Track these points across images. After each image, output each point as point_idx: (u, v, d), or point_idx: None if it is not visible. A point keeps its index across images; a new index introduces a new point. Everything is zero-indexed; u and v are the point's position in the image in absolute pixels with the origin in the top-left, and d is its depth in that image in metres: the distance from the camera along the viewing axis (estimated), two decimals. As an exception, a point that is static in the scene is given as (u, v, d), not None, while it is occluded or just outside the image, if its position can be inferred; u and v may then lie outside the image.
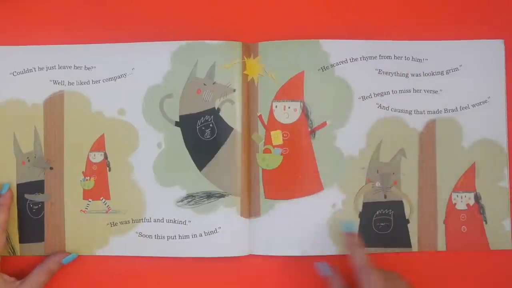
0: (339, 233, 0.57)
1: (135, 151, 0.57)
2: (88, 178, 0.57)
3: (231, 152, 0.57)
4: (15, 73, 0.58)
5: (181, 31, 0.58)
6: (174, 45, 0.57)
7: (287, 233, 0.57)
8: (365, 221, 0.57)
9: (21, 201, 0.57)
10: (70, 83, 0.58)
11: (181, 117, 0.57)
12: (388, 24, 0.59)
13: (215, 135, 0.57)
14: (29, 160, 0.57)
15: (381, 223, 0.58)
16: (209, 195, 0.57)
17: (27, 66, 0.58)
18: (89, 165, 0.57)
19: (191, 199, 0.57)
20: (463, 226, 0.58)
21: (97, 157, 0.57)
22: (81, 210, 0.57)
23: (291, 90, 0.57)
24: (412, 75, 0.58)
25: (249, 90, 0.57)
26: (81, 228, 0.57)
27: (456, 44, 0.58)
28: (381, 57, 0.58)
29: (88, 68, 0.58)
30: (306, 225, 0.57)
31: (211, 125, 0.57)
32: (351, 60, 0.58)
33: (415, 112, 0.58)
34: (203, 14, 0.59)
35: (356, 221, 0.57)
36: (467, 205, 0.58)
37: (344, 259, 0.57)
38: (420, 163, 0.58)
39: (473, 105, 0.58)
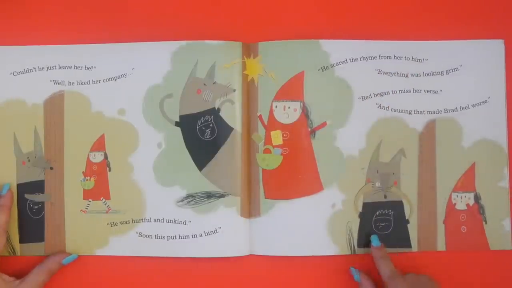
0: (339, 233, 0.57)
1: (135, 151, 0.57)
2: (88, 178, 0.57)
3: (231, 152, 0.57)
4: (15, 73, 0.58)
5: (181, 31, 0.58)
6: (174, 45, 0.57)
7: (287, 233, 0.57)
8: (365, 221, 0.57)
9: (21, 201, 0.57)
10: (70, 83, 0.58)
11: (181, 117, 0.57)
12: (388, 24, 0.59)
13: (215, 135, 0.57)
14: (29, 160, 0.57)
15: (381, 223, 0.58)
16: (209, 195, 0.57)
17: (27, 66, 0.58)
18: (89, 165, 0.57)
19: (191, 199, 0.57)
20: (463, 226, 0.58)
21: (97, 157, 0.57)
22: (81, 210, 0.57)
23: (291, 90, 0.57)
24: (412, 75, 0.58)
25: (249, 90, 0.57)
26: (81, 228, 0.57)
27: (456, 44, 0.58)
28: (381, 57, 0.58)
29: (88, 68, 0.58)
30: (306, 225, 0.57)
31: (211, 125, 0.57)
32: (351, 60, 0.58)
33: (415, 112, 0.58)
34: (203, 14, 0.59)
35: (356, 221, 0.57)
36: (467, 205, 0.58)
37: (344, 259, 0.57)
38: (420, 163, 0.58)
39: (473, 105, 0.58)
